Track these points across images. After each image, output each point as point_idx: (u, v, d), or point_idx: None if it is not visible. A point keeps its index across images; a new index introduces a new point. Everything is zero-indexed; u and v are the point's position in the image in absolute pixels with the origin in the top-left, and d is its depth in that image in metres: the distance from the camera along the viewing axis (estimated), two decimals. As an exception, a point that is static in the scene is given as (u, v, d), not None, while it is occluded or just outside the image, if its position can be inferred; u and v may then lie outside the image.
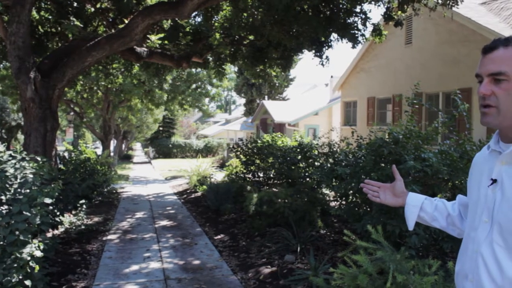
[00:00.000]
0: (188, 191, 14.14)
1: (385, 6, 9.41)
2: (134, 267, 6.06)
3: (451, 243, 4.64)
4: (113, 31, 8.99)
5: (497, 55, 1.48)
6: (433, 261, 3.44)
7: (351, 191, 5.68)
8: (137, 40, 8.07)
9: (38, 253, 4.23)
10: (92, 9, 9.70)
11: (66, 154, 10.26)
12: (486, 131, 9.08)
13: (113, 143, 32.05)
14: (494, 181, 1.56)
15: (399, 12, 9.17)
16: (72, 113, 25.23)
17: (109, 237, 7.85)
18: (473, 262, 1.58)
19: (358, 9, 9.47)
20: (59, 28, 9.68)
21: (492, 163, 1.60)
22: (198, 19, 11.44)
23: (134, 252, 6.83)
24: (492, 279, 1.52)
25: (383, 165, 5.27)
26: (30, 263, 4.15)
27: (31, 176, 4.65)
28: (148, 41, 9.97)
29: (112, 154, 27.48)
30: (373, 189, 2.11)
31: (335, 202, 6.97)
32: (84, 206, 8.12)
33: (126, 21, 8.45)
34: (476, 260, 1.56)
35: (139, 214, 10.18)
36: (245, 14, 9.47)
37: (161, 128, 43.43)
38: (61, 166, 9.29)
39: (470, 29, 11.82)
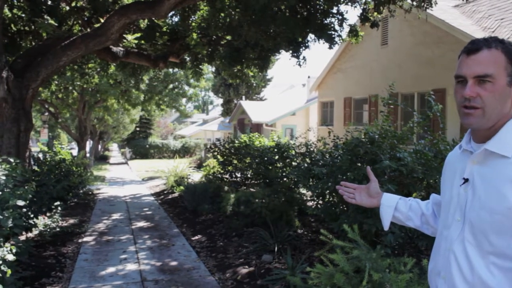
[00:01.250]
0: (165, 192, 14.05)
1: (362, 8, 9.49)
2: (111, 269, 5.99)
3: (425, 241, 4.71)
4: (88, 30, 8.87)
5: (482, 56, 1.50)
6: (408, 259, 3.49)
7: (328, 191, 5.71)
8: (113, 40, 7.98)
9: (10, 257, 4.14)
10: (67, 8, 9.55)
11: (40, 155, 10.06)
12: (460, 131, 9.26)
13: (89, 144, 31.65)
14: (466, 180, 1.58)
15: (375, 13, 9.27)
16: (46, 114, 24.80)
17: (85, 239, 7.75)
18: (445, 259, 1.61)
19: (334, 10, 9.53)
20: (32, 27, 9.49)
21: (464, 162, 1.63)
22: (175, 19, 11.35)
23: (110, 254, 6.75)
24: (463, 277, 1.54)
25: (359, 164, 5.31)
26: (2, 267, 4.06)
27: (4, 178, 4.56)
28: (125, 40, 9.85)
29: (88, 155, 27.15)
30: (349, 191, 2.15)
31: (312, 202, 7.00)
32: (59, 208, 7.98)
33: (102, 20, 8.34)
34: (448, 258, 1.58)
35: (115, 216, 10.08)
36: (222, 14, 9.44)
37: (138, 129, 43.02)
38: (35, 167, 9.12)
39: (444, 30, 12.02)
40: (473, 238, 1.52)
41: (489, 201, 1.48)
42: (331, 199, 5.94)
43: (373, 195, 2.09)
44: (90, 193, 13.84)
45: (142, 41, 10.29)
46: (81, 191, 11.99)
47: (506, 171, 1.46)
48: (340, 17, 9.55)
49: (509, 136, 1.51)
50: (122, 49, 9.78)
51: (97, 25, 8.50)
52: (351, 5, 9.42)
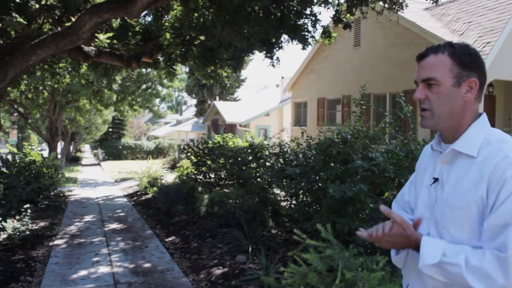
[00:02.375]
0: (138, 193, 13.91)
1: (334, 9, 9.57)
2: (83, 273, 5.89)
3: (398, 239, 4.76)
4: (59, 29, 8.71)
5: (428, 62, 1.58)
6: (380, 257, 3.53)
7: (301, 191, 5.74)
8: (85, 39, 7.84)
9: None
10: (37, 6, 9.35)
11: (9, 156, 9.85)
12: (430, 131, 9.42)
13: (60, 145, 31.07)
14: (436, 180, 1.63)
15: (348, 15, 9.35)
16: (15, 114, 24.23)
17: (56, 242, 7.61)
18: (416, 257, 1.64)
19: (308, 11, 9.58)
20: (0, 25, 9.28)
21: (434, 162, 1.68)
22: (148, 19, 11.23)
23: (82, 257, 6.64)
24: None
25: (332, 164, 5.36)
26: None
27: (-30, 179, 4.44)
28: (97, 40, 9.71)
29: (59, 156, 26.64)
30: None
31: (286, 202, 7.03)
32: (29, 211, 7.83)
33: (73, 19, 8.19)
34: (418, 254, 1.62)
35: (87, 218, 9.92)
36: (195, 14, 9.39)
37: (110, 129, 42.47)
38: (3, 169, 8.92)
39: (414, 33, 12.23)
40: (437, 233, 1.58)
41: (453, 198, 1.54)
42: (304, 199, 5.97)
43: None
44: (62, 195, 13.60)
45: (115, 41, 10.14)
46: (52, 193, 11.78)
47: (470, 170, 1.52)
48: (313, 18, 9.61)
49: (475, 136, 1.56)
50: (94, 48, 9.63)
51: (68, 24, 8.35)
52: (324, 7, 9.49)
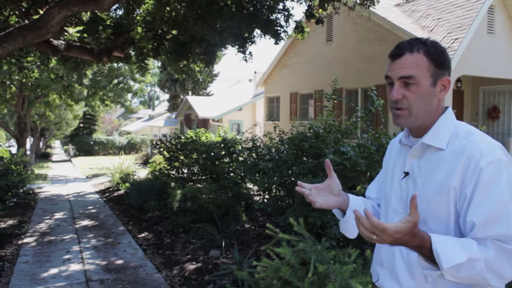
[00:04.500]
0: (110, 189, 13.74)
1: (307, 4, 9.60)
2: (53, 271, 5.79)
3: (369, 232, 4.83)
4: (26, 22, 8.50)
5: (406, 61, 1.56)
6: (352, 250, 3.58)
7: (274, 185, 5.77)
8: (54, 32, 7.67)
9: None
10: (3, -2, 9.12)
11: (-25, 153, 9.62)
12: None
13: (29, 141, 30.42)
14: (407, 174, 1.65)
15: (320, 10, 9.40)
16: (-19, 109, 23.64)
17: (25, 240, 7.45)
18: (388, 250, 1.67)
19: (281, 6, 9.58)
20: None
21: (404, 156, 1.70)
22: (119, 12, 11.07)
23: (53, 255, 6.53)
24: (405, 266, 1.61)
25: (304, 159, 5.39)
26: None
27: None
28: (66, 33, 9.52)
29: (28, 152, 26.09)
30: (308, 193, 1.73)
31: (259, 196, 7.05)
32: (-4, 208, 7.66)
33: (41, 12, 8.01)
34: (391, 249, 1.64)
35: (58, 215, 9.75)
36: (167, 8, 9.30)
37: (81, 125, 41.81)
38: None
39: (386, 28, 12.38)
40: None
41: (426, 192, 1.55)
42: (277, 193, 6.00)
43: (336, 193, 1.78)
44: (31, 192, 13.32)
45: (85, 35, 9.97)
46: (21, 191, 11.53)
47: (441, 162, 1.54)
48: (286, 13, 9.62)
49: (443, 129, 1.59)
50: (63, 42, 9.44)
51: (36, 17, 8.16)
52: (297, 2, 9.51)
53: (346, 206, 1.80)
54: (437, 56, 1.57)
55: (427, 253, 1.40)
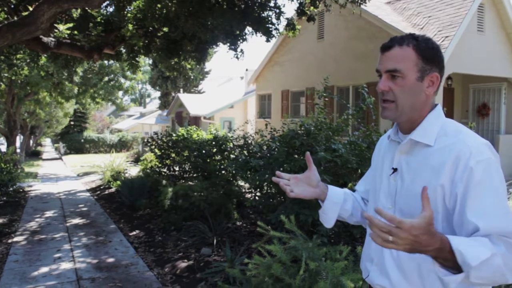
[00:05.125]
0: (101, 187, 13.68)
1: (298, 2, 9.61)
2: (44, 269, 5.76)
3: (360, 229, 4.86)
4: (15, 18, 8.42)
5: (394, 53, 1.57)
6: (343, 247, 3.59)
7: (266, 183, 5.77)
8: (44, 29, 7.61)
9: None
10: (-9, -5, 9.03)
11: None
12: (392, 122, 9.61)
13: (19, 139, 30.20)
14: (395, 170, 1.66)
15: (312, 7, 9.41)
16: (-30, 107, 23.42)
17: (16, 239, 7.40)
18: (378, 246, 1.66)
19: (272, 4, 9.58)
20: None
21: (393, 152, 1.71)
22: (110, 9, 10.99)
23: (43, 254, 6.49)
24: (395, 262, 1.62)
25: (296, 156, 5.40)
26: None
27: None
28: (56, 30, 9.44)
29: (18, 150, 25.90)
30: (286, 183, 1.83)
31: (250, 194, 7.05)
32: (-14, 207, 7.59)
33: (31, 9, 7.94)
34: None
35: (49, 213, 9.69)
36: (159, 6, 9.25)
37: (72, 123, 41.52)
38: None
39: (377, 26, 12.42)
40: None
41: (415, 188, 1.55)
42: (268, 190, 6.00)
43: (314, 184, 1.87)
44: (21, 190, 13.23)
45: (75, 32, 9.89)
46: (11, 189, 11.44)
47: (430, 159, 1.54)
48: (277, 11, 9.61)
49: (432, 126, 1.59)
50: (53, 39, 9.36)
51: (25, 14, 8.09)
52: (288, -1, 9.53)
53: (324, 197, 1.88)
54: (427, 52, 1.57)
55: (448, 256, 1.32)
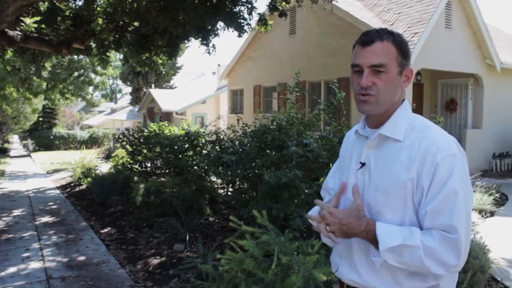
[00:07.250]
0: (72, 185, 13.45)
1: (270, -3, 9.62)
2: (11, 270, 5.63)
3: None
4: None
5: (376, 48, 1.58)
6: (315, 241, 3.62)
7: (238, 178, 5.78)
8: (9, 23, 7.44)
9: None
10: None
11: None
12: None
13: (-15, 136, 29.45)
14: (363, 164, 1.67)
15: (284, 3, 9.44)
16: None
17: (-19, 238, 7.23)
18: (346, 241, 1.68)
19: (244, -1, 9.57)
20: None
21: (360, 147, 1.72)
22: (79, 3, 10.79)
23: (11, 253, 6.34)
24: (363, 256, 1.64)
25: (268, 151, 5.41)
26: None
27: None
28: (23, 24, 9.23)
29: (-16, 147, 25.24)
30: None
31: (223, 189, 7.05)
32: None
33: (-5, 2, 7.74)
34: (349, 239, 1.66)
35: (17, 212, 9.49)
36: (129, 0, 9.14)
37: (41, 119, 40.65)
38: None
39: (348, 22, 12.53)
40: (370, 217, 1.60)
41: (383, 183, 1.58)
42: (241, 186, 6.01)
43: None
44: (-13, 188, 12.92)
45: (43, 25, 9.68)
46: (-24, 187, 11.17)
47: (399, 154, 1.57)
48: (249, 6, 9.59)
49: (401, 121, 1.62)
50: (20, 33, 9.15)
51: (-11, 7, 7.88)
52: (260, -6, 9.52)
53: None
54: (403, 47, 1.60)
55: (373, 239, 1.53)
